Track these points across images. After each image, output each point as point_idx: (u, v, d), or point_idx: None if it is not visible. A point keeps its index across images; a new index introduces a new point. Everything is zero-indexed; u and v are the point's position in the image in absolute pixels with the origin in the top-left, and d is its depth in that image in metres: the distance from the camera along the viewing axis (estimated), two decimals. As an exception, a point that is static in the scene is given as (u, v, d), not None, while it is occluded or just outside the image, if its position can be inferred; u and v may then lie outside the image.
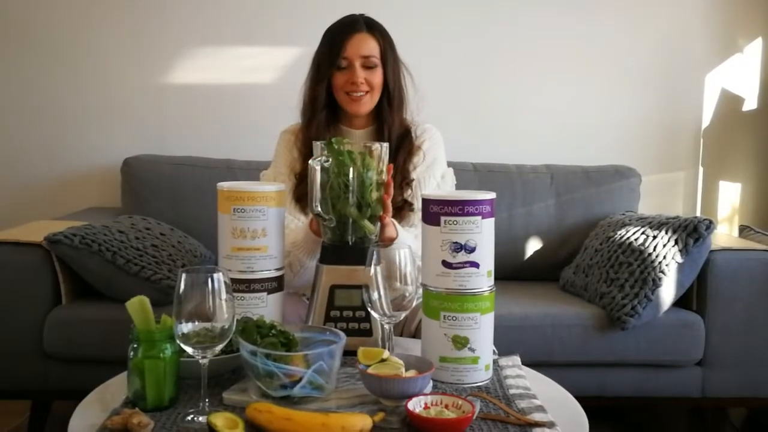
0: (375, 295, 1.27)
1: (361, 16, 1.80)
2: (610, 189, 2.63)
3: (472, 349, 1.27)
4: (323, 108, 1.79)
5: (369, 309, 1.29)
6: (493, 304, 1.30)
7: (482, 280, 1.28)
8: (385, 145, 1.46)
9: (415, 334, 1.66)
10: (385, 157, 1.45)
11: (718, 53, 2.92)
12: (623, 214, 2.48)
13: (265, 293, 1.42)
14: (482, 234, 1.27)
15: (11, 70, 2.81)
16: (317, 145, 1.43)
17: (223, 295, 1.10)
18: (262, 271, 1.41)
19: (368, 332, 1.42)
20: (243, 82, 2.84)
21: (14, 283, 2.03)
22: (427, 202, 1.30)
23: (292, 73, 2.75)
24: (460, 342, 1.27)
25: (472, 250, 1.26)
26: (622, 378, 2.12)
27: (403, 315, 1.30)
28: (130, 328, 1.20)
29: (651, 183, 2.86)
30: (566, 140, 2.90)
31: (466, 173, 2.59)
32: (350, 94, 1.75)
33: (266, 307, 1.41)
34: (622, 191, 2.64)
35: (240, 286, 1.39)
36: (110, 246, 2.03)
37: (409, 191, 1.77)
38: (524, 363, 1.44)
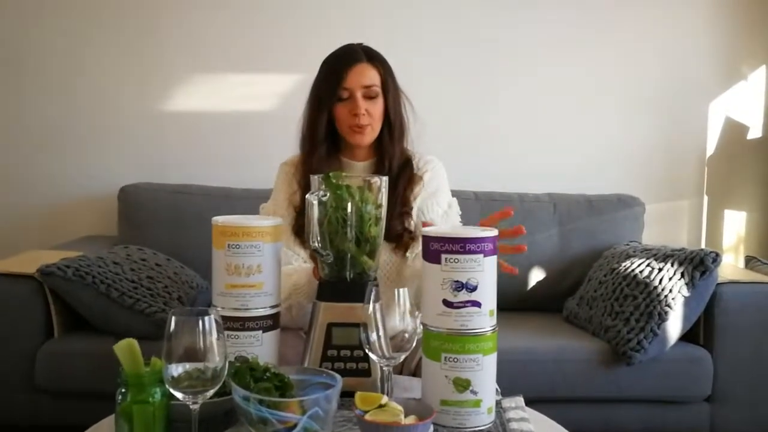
0: (373, 336, 1.23)
1: (360, 45, 1.76)
2: (614, 218, 2.60)
3: (474, 392, 1.22)
4: (324, 140, 1.74)
5: (367, 351, 1.24)
6: (496, 344, 1.26)
7: (484, 319, 1.24)
8: (385, 178, 1.43)
9: (416, 372, 1.62)
10: (384, 191, 1.42)
11: (722, 81, 2.90)
12: (627, 245, 2.45)
13: (260, 331, 1.37)
14: (484, 272, 1.22)
15: (5, 96, 2.79)
16: (315, 179, 1.40)
17: (215, 338, 1.06)
18: (257, 308, 1.36)
19: (367, 372, 1.37)
20: (241, 109, 2.82)
21: (5, 315, 2.00)
22: (427, 240, 1.26)
23: (291, 100, 2.72)
24: (462, 385, 1.22)
25: (473, 289, 1.22)
26: (628, 414, 2.08)
27: (402, 356, 1.26)
28: (118, 371, 1.15)
29: (655, 212, 2.82)
30: (569, 169, 2.87)
31: (468, 202, 2.56)
32: (353, 126, 1.71)
33: (261, 346, 1.36)
34: (625, 221, 2.61)
35: (234, 324, 1.35)
36: (104, 278, 2.00)
37: (410, 220, 1.73)
38: (527, 399, 1.39)
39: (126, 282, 2.03)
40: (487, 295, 1.23)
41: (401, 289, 1.24)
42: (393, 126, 1.76)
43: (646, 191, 2.78)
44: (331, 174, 1.38)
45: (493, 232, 1.25)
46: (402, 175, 1.76)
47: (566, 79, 2.86)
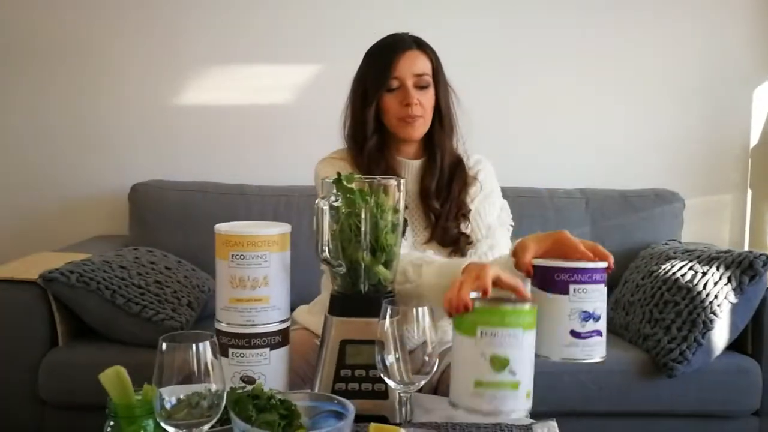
0: (390, 359, 1.11)
1: (406, 34, 1.66)
2: (651, 215, 2.47)
3: (512, 372, 1.09)
4: (373, 135, 1.63)
5: (382, 376, 1.12)
6: (535, 320, 1.13)
7: (603, 348, 1.20)
8: (403, 180, 1.31)
9: (438, 388, 1.50)
10: (402, 194, 1.30)
11: (766, 66, 2.73)
12: (666, 244, 2.31)
13: (267, 349, 1.27)
14: (605, 303, 1.19)
15: (12, 91, 2.71)
16: (325, 183, 1.29)
17: (212, 366, 0.96)
18: (264, 324, 1.26)
19: (383, 394, 1.25)
20: (257, 102, 2.71)
21: (7, 324, 1.92)
22: (552, 270, 1.19)
23: (308, 92, 2.66)
24: (500, 362, 1.09)
25: (598, 318, 1.18)
26: (669, 430, 1.96)
27: (423, 381, 1.14)
28: (106, 401, 1.05)
29: (694, 207, 2.66)
30: (602, 162, 2.73)
31: (494, 198, 2.44)
32: (404, 118, 1.59)
33: (269, 365, 1.27)
34: (663, 218, 2.48)
35: (239, 341, 1.25)
36: (110, 284, 1.91)
37: (467, 224, 1.64)
38: (559, 413, 1.31)
39: (132, 287, 1.95)
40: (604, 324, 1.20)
41: (420, 308, 1.13)
42: (443, 119, 1.65)
43: (684, 185, 2.64)
44: (342, 176, 1.26)
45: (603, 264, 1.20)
46: (456, 177, 1.66)
47: (599, 68, 2.73)
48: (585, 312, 1.16)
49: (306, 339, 1.66)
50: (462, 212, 1.63)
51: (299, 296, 1.74)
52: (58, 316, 1.94)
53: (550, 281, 1.18)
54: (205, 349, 0.96)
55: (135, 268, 2.03)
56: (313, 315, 1.72)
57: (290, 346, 1.33)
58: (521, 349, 1.09)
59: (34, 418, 1.94)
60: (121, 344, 1.93)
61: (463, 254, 1.60)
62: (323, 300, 1.70)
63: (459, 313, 1.11)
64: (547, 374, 1.84)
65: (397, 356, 1.12)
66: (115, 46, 2.70)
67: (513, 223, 1.69)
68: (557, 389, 1.87)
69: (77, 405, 1.91)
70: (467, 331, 1.11)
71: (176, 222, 2.46)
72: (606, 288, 1.18)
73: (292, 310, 1.70)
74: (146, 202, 2.50)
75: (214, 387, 0.96)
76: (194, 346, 0.95)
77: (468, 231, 1.62)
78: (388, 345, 1.12)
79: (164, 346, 0.96)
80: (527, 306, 1.10)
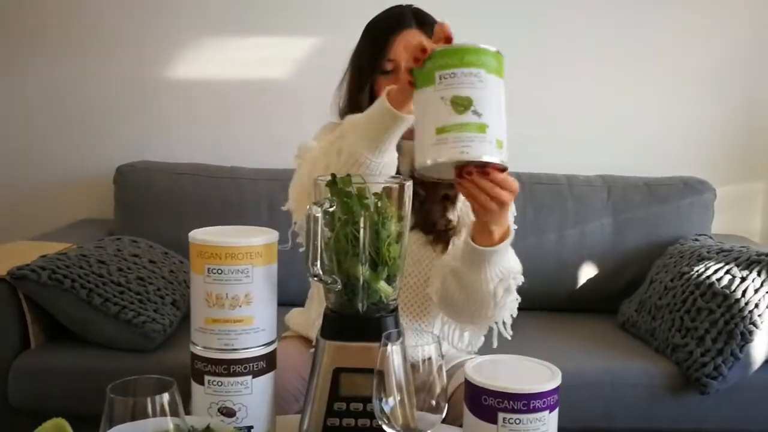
0: (390, 402, 0.94)
1: (409, 7, 1.51)
2: (679, 206, 2.31)
3: (477, 114, 1.00)
4: None
5: (380, 423, 0.95)
6: (503, 68, 1.05)
7: None
8: (409, 183, 1.13)
9: (446, 416, 1.33)
10: (408, 199, 1.13)
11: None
12: (696, 240, 2.15)
13: (249, 377, 1.11)
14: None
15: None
16: (319, 186, 1.11)
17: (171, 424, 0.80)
18: (245, 348, 1.11)
19: (382, 432, 1.09)
20: (252, 76, 2.56)
21: (-26, 324, 1.78)
22: (477, 391, 0.97)
23: (307, 66, 2.51)
24: (462, 103, 1.00)
25: None
26: (700, 450, 1.82)
27: (435, 423, 0.97)
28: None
29: (723, 195, 2.49)
30: (625, 146, 2.57)
31: (510, 186, 2.27)
32: None
33: (251, 395, 1.11)
34: (693, 209, 2.31)
35: (217, 368, 1.10)
36: (86, 282, 1.77)
37: (453, 210, 1.49)
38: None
39: (111, 286, 1.79)
40: None
41: (425, 347, 0.95)
42: None
43: (713, 172, 2.47)
44: (338, 178, 1.09)
45: (556, 381, 0.98)
46: None
47: (622, 45, 2.55)
48: None
49: (300, 348, 1.53)
50: (448, 193, 1.48)
51: (296, 299, 1.62)
52: (30, 316, 1.80)
53: (477, 404, 0.98)
54: (163, 402, 0.79)
55: (115, 262, 1.87)
56: (305, 314, 1.59)
57: (280, 362, 1.16)
58: (485, 89, 1.01)
59: (4, 428, 1.82)
60: (99, 347, 1.80)
61: (446, 242, 1.46)
62: (313, 293, 1.58)
63: (417, 62, 1.04)
64: (567, 388, 1.69)
65: (404, 395, 0.95)
66: (97, 17, 2.53)
67: (516, 225, 1.51)
68: (579, 405, 1.74)
69: (51, 412, 1.75)
70: (426, 82, 1.04)
71: (164, 206, 2.33)
72: (556, 412, 0.97)
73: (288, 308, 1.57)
74: (132, 185, 2.36)
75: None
76: (149, 400, 0.79)
77: (453, 218, 1.48)
78: (389, 380, 0.94)
79: (112, 397, 0.79)
80: (491, 48, 1.04)
